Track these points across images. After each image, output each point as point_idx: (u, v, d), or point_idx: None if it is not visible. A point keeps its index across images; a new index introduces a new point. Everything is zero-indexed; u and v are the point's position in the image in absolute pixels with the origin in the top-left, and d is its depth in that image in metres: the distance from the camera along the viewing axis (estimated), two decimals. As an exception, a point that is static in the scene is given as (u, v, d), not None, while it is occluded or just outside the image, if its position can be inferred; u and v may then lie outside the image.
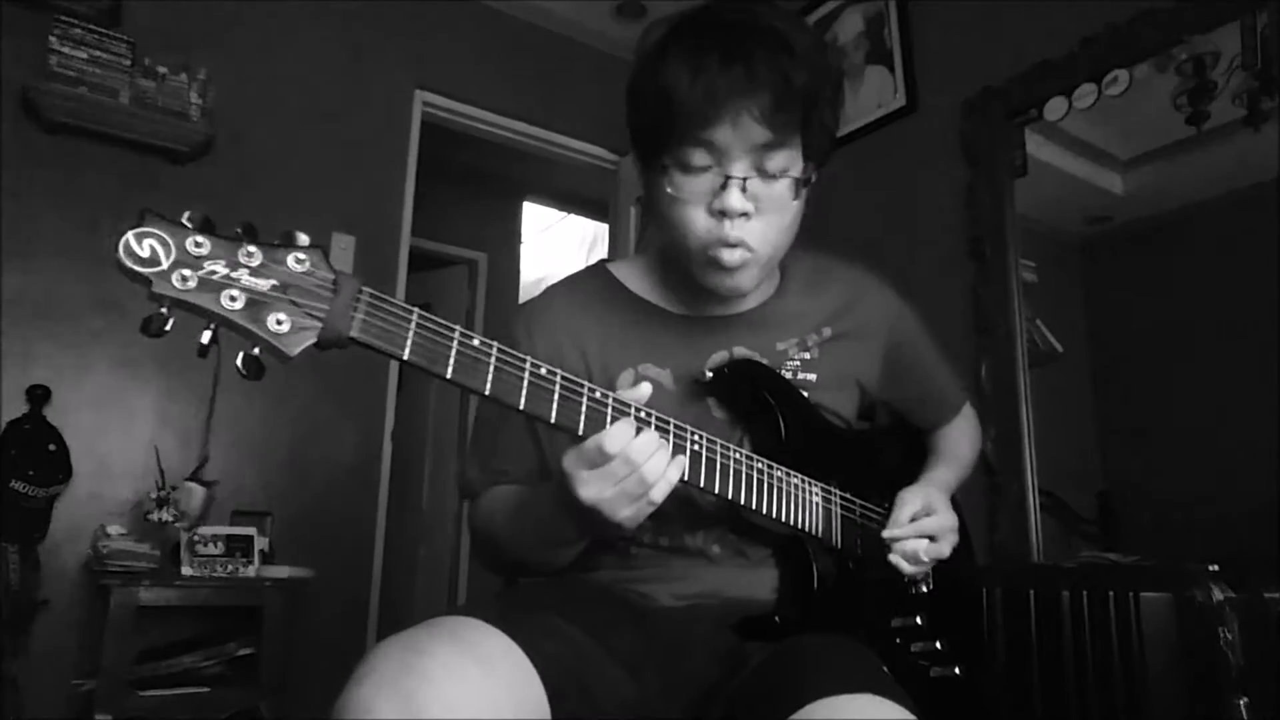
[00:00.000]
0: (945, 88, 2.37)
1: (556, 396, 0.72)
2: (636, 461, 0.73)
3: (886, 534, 0.95)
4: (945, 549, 0.97)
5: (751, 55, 0.83)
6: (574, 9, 3.42)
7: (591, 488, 0.74)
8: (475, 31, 3.29)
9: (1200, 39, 1.83)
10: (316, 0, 2.94)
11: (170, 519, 2.30)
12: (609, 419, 0.74)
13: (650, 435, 0.74)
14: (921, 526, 0.96)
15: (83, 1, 2.43)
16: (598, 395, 0.74)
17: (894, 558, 0.95)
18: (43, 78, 2.35)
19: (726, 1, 0.89)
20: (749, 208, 0.86)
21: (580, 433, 0.73)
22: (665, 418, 0.78)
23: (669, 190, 0.88)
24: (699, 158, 0.86)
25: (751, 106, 0.83)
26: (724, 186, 0.86)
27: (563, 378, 0.73)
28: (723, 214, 0.86)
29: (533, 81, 3.41)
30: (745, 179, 0.85)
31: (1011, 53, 2.19)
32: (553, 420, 0.71)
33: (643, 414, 0.77)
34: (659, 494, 0.75)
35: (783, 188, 0.88)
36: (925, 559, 0.95)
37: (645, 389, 0.78)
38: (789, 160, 0.87)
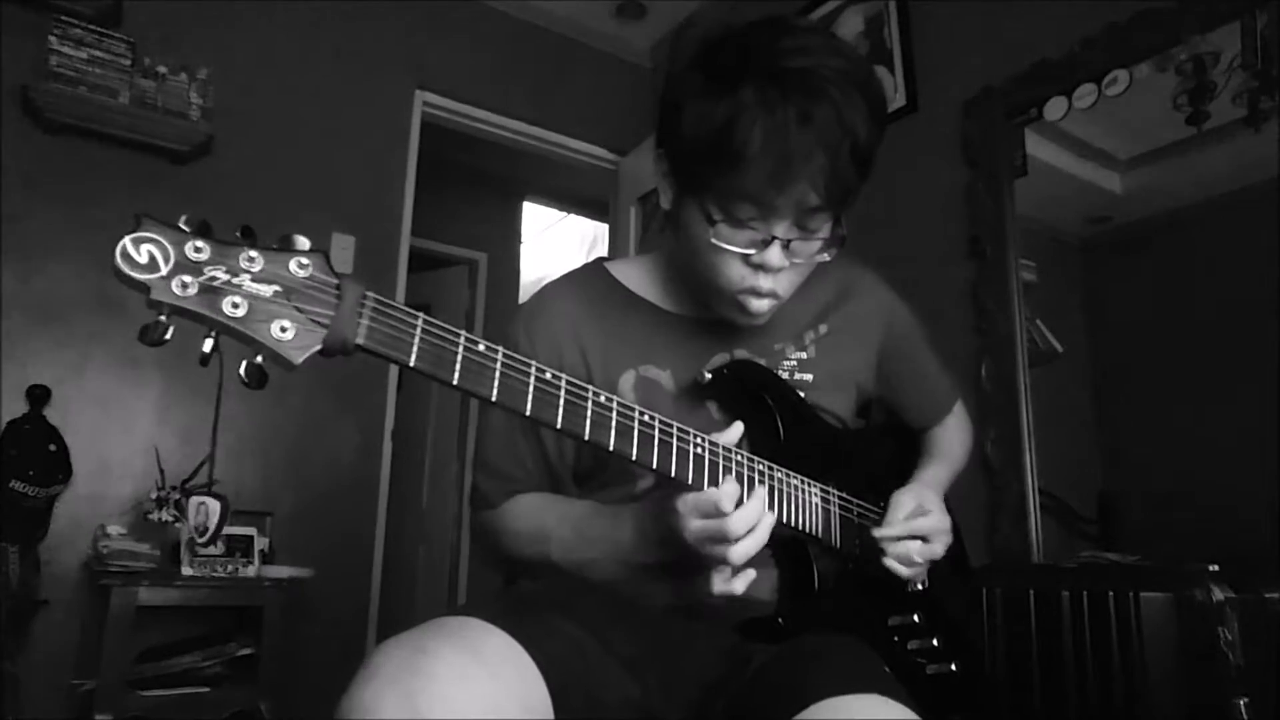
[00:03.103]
0: (945, 88, 2.37)
1: (562, 401, 0.71)
2: (737, 532, 0.77)
3: (878, 533, 0.95)
4: (939, 549, 0.97)
5: (825, 116, 0.80)
6: (574, 9, 3.42)
7: (692, 535, 0.79)
8: (475, 31, 3.29)
9: (1200, 39, 1.82)
10: (317, 0, 2.94)
11: (170, 519, 2.30)
12: (614, 423, 0.74)
13: (756, 507, 0.79)
14: (914, 527, 0.96)
15: (83, 1, 2.43)
16: (602, 400, 0.74)
17: (889, 561, 0.95)
18: (43, 78, 2.35)
19: (785, 33, 0.85)
20: (787, 264, 0.87)
21: (586, 437, 0.73)
22: (669, 420, 0.78)
23: (711, 240, 0.87)
24: (747, 212, 0.85)
25: (816, 177, 0.82)
26: (767, 243, 0.85)
27: (568, 382, 0.72)
28: (761, 267, 0.87)
29: (533, 81, 3.41)
30: (789, 239, 0.86)
31: (1011, 53, 2.18)
32: (559, 426, 0.71)
33: (645, 417, 0.77)
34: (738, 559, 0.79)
35: (817, 244, 0.89)
36: (919, 560, 0.95)
37: (737, 430, 0.83)
38: (829, 218, 0.88)
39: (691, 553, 0.80)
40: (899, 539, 0.95)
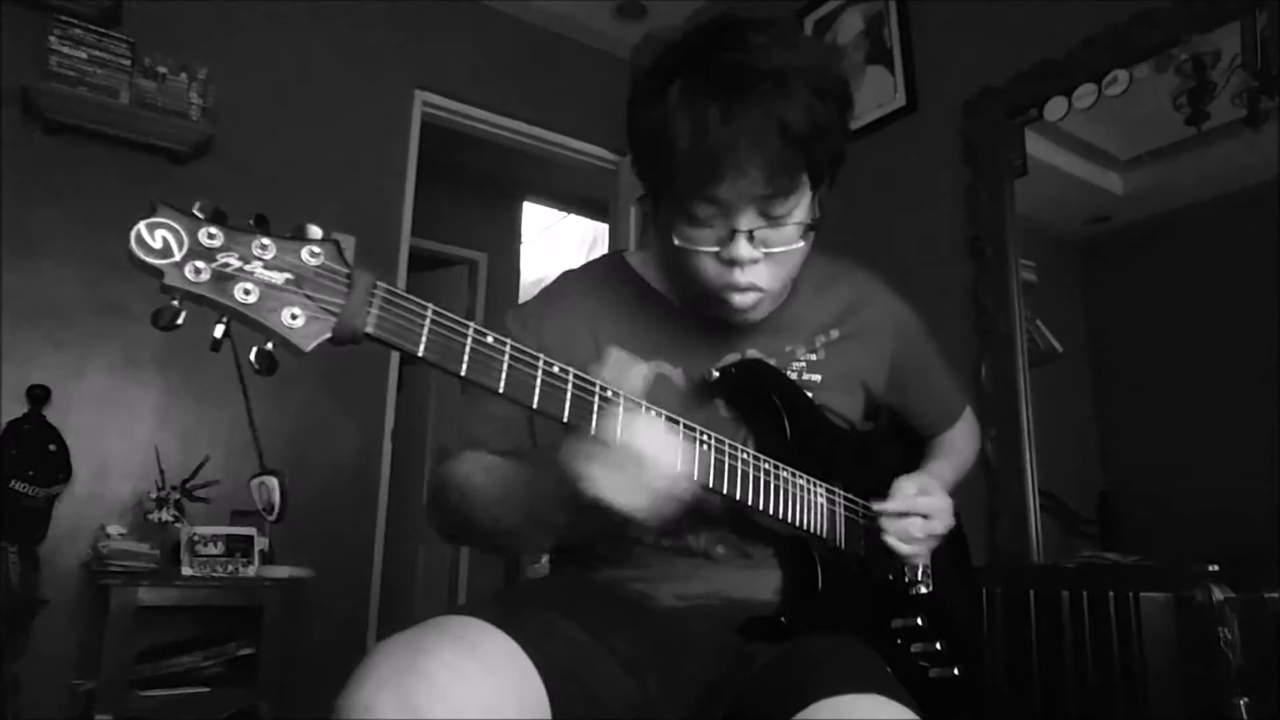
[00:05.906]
0: (945, 88, 2.37)
1: (569, 395, 0.71)
2: (651, 456, 0.71)
3: (879, 507, 0.95)
4: (939, 528, 0.97)
5: (749, 110, 0.79)
6: (574, 9, 3.42)
7: (606, 484, 0.71)
8: (475, 31, 3.29)
9: (1200, 39, 1.83)
10: (317, 0, 2.94)
11: (170, 519, 2.30)
12: (620, 418, 0.73)
13: (672, 436, 0.73)
14: (916, 504, 0.96)
15: (83, 1, 2.43)
16: (608, 394, 0.74)
17: (888, 537, 0.94)
18: (43, 78, 2.35)
19: (727, 30, 0.85)
20: (758, 255, 0.85)
21: (593, 431, 0.72)
22: (675, 415, 0.78)
23: (676, 241, 0.86)
24: (704, 210, 0.84)
25: (751, 166, 0.80)
26: (731, 237, 0.84)
27: (575, 375, 0.72)
28: (732, 262, 0.86)
29: (533, 81, 3.41)
30: (752, 230, 0.84)
31: (1011, 53, 2.19)
32: (565, 419, 0.71)
33: (652, 413, 0.76)
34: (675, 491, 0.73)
35: (791, 231, 0.87)
36: (919, 535, 0.95)
37: (642, 366, 0.77)
38: (795, 203, 0.86)
39: (612, 511, 0.72)
40: (900, 515, 0.95)
